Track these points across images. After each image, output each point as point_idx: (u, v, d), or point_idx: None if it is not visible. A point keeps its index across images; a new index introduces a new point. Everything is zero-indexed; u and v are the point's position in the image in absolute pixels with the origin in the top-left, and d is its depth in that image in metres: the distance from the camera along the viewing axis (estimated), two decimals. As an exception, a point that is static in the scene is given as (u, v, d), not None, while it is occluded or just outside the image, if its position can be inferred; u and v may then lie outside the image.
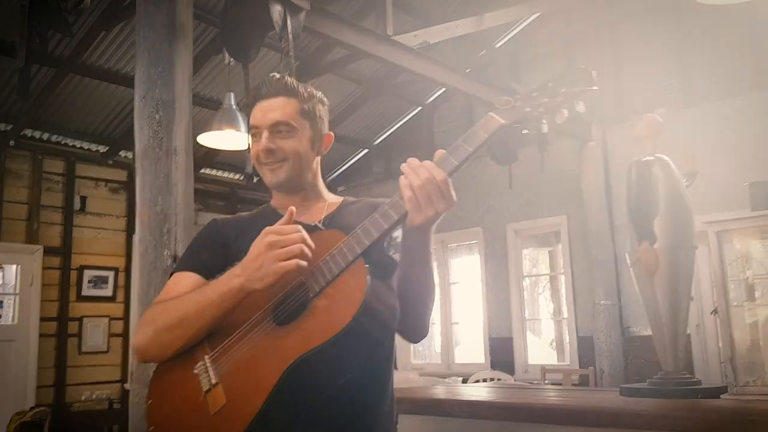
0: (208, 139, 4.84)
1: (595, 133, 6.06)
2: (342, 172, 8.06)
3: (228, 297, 1.23)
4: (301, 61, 5.87)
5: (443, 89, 7.20)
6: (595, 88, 1.17)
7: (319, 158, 1.51)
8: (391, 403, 1.38)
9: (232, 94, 4.77)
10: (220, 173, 7.37)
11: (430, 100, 7.51)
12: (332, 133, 1.53)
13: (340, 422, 1.25)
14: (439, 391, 1.90)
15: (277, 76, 1.46)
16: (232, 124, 4.70)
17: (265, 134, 1.41)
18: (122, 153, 6.49)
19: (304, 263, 1.18)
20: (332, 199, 1.53)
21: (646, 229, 1.67)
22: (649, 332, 5.61)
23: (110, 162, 6.47)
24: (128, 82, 5.40)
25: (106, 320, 6.22)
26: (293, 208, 1.25)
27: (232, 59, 3.85)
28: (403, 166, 1.20)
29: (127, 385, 6.08)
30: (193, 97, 3.17)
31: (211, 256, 1.42)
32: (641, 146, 1.81)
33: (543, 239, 7.01)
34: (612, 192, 5.98)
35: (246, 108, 1.48)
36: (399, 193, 1.21)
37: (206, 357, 1.28)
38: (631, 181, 1.74)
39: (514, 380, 5.57)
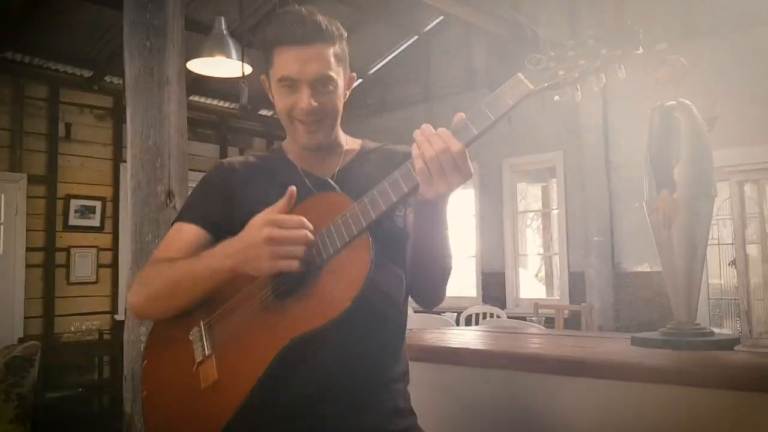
0: (199, 66, 4.66)
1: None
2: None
3: (219, 275, 1.17)
4: (293, -17, 5.62)
5: (440, 18, 6.96)
6: (640, 50, 1.01)
7: None
8: (405, 371, 1.33)
9: (222, 19, 4.57)
10: (210, 101, 7.17)
11: (427, 29, 7.28)
12: (354, 74, 1.39)
13: (347, 397, 1.20)
14: (446, 338, 1.88)
15: (304, 13, 1.26)
16: (224, 50, 4.52)
17: (306, 91, 1.25)
18: (108, 78, 6.26)
19: (304, 265, 1.09)
20: (350, 145, 1.42)
21: (666, 177, 1.60)
22: (640, 268, 5.73)
23: (95, 87, 6.24)
24: (112, 1, 5.15)
25: (94, 251, 6.15)
26: (293, 189, 1.13)
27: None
28: (416, 133, 1.08)
29: (117, 316, 6.09)
30: (182, 21, 3.02)
31: (215, 207, 1.33)
32: (663, 90, 1.72)
33: (537, 175, 6.96)
34: (609, 127, 5.90)
35: (266, 44, 1.29)
36: (410, 162, 1.09)
37: (201, 323, 1.22)
38: (653, 128, 1.66)
39: (506, 314, 5.62)
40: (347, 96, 1.36)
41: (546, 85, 1.04)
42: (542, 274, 7.82)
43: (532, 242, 7.82)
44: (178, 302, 1.23)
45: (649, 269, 5.69)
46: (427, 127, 1.08)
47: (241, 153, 7.51)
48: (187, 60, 4.30)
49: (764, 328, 1.57)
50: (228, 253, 1.14)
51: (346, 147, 1.40)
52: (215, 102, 7.21)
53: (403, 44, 7.43)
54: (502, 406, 1.61)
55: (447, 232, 1.23)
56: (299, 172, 1.35)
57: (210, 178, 1.39)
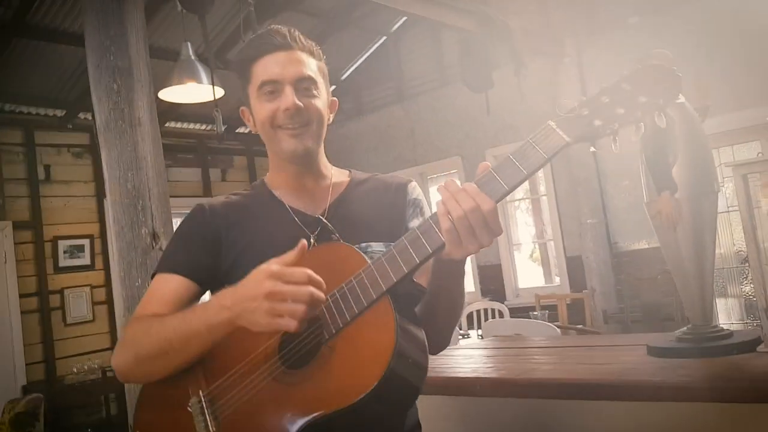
0: (170, 95, 4.57)
1: (569, 48, 5.87)
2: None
3: (216, 330, 1.06)
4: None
5: (405, 17, 6.90)
6: (681, 100, 0.95)
7: None
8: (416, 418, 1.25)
9: (189, 44, 4.47)
10: (186, 125, 7.07)
11: (394, 28, 7.20)
12: (337, 100, 1.34)
13: None
14: (454, 364, 1.82)
15: (284, 29, 1.24)
16: (193, 76, 4.42)
17: (288, 90, 1.20)
18: (81, 115, 6.16)
19: (303, 324, 0.97)
20: (336, 177, 1.34)
21: (665, 178, 1.55)
22: (637, 246, 5.69)
23: (70, 126, 6.15)
24: (77, 40, 5.05)
25: (87, 289, 6.07)
26: (304, 242, 1.02)
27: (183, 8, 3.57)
28: (441, 189, 0.99)
29: (118, 352, 6.01)
30: (148, 52, 2.93)
31: (198, 254, 1.24)
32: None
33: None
34: (591, 108, 5.85)
35: (243, 63, 1.25)
36: (434, 218, 0.99)
37: (201, 393, 1.11)
38: (645, 129, 1.60)
39: (507, 307, 5.58)
40: (330, 120, 1.30)
41: (581, 135, 0.96)
42: (536, 254, 7.78)
43: (523, 224, 7.78)
44: (171, 362, 1.12)
45: (647, 246, 5.66)
46: (451, 183, 0.99)
47: (223, 174, 7.42)
48: (157, 90, 4.22)
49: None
50: (225, 303, 1.03)
51: (334, 179, 1.33)
52: (192, 126, 7.12)
53: (372, 46, 7.36)
54: None
55: (463, 285, 1.16)
56: (287, 210, 1.27)
57: (191, 223, 1.29)
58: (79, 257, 6.06)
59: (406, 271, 1.00)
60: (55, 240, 5.92)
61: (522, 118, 6.25)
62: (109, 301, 6.15)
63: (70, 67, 5.59)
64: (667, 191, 1.56)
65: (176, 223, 3.16)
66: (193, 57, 4.45)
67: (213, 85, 4.02)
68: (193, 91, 4.54)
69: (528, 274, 7.21)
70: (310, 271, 0.98)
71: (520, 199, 7.75)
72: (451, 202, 0.97)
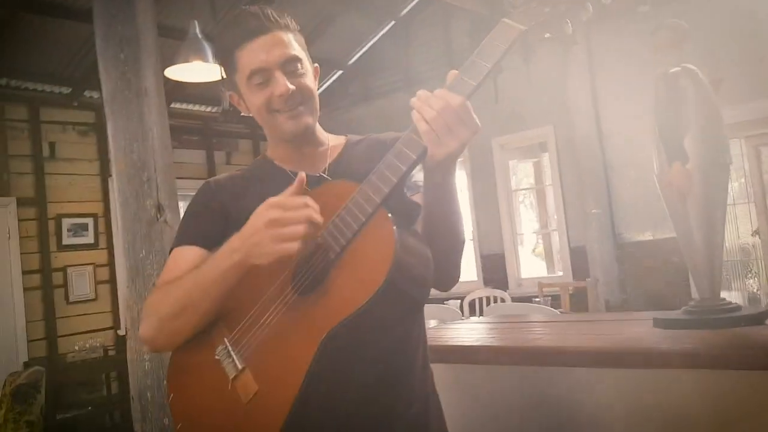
0: (176, 73, 4.55)
1: (578, 35, 5.82)
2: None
3: (231, 274, 1.10)
4: (266, -21, 5.50)
5: (416, 0, 6.86)
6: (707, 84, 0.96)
7: None
8: (426, 353, 1.29)
9: (196, 23, 4.45)
10: (191, 107, 7.04)
11: (404, 12, 7.16)
12: (318, 66, 1.36)
13: (381, 386, 1.15)
14: (457, 334, 1.80)
15: (255, 9, 1.25)
16: (200, 54, 4.41)
17: (278, 75, 1.22)
18: (87, 93, 6.14)
19: (306, 244, 1.03)
20: (333, 141, 1.38)
21: (677, 148, 1.53)
22: (642, 237, 5.67)
23: (76, 104, 6.12)
24: (84, 16, 5.02)
25: (90, 268, 6.07)
26: (303, 174, 1.07)
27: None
28: (413, 101, 1.05)
29: (120, 331, 6.02)
30: (156, 28, 2.91)
31: (209, 225, 1.28)
32: (664, 56, 1.64)
33: (528, 151, 6.88)
34: (599, 97, 5.82)
35: (225, 51, 1.27)
36: (413, 128, 1.05)
37: (226, 340, 1.15)
38: (658, 97, 1.58)
39: (510, 296, 5.56)
40: (317, 87, 1.32)
41: (534, 22, 1.02)
42: (539, 249, 7.76)
43: (527, 220, 7.76)
44: (193, 317, 1.16)
45: (651, 237, 5.64)
46: (422, 92, 1.05)
47: (227, 157, 7.41)
48: (164, 68, 4.21)
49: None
50: (234, 246, 1.08)
51: (331, 143, 1.37)
52: (197, 107, 7.10)
53: (381, 31, 7.32)
54: (526, 402, 1.54)
55: (458, 198, 1.19)
56: (289, 175, 1.29)
57: (199, 199, 1.34)
58: (82, 236, 6.06)
59: (395, 181, 1.04)
60: (58, 218, 5.91)
61: (529, 106, 6.22)
62: (112, 280, 6.16)
63: (77, 44, 5.57)
64: (678, 162, 1.54)
65: (181, 201, 3.16)
66: (200, 35, 4.43)
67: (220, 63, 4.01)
68: (200, 69, 4.53)
69: (531, 266, 7.20)
70: (307, 198, 1.03)
71: (526, 189, 7.73)
72: (423, 107, 1.03)
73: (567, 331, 1.75)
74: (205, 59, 4.39)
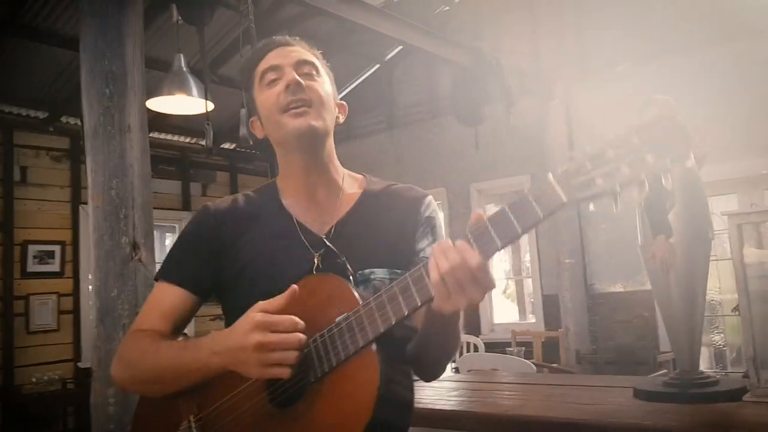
0: (158, 105, 4.54)
1: (558, 90, 5.96)
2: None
3: (208, 371, 1.08)
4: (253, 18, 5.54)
5: (401, 46, 6.96)
6: (692, 161, 0.88)
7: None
8: None
9: (182, 56, 4.45)
10: (170, 137, 6.99)
11: (389, 57, 7.26)
12: (345, 104, 1.32)
13: None
14: (437, 395, 1.78)
15: (287, 36, 1.30)
16: (183, 88, 4.41)
17: (288, 70, 1.21)
18: (64, 119, 6.06)
19: (293, 369, 0.99)
20: (349, 185, 1.29)
21: (662, 222, 1.55)
22: (613, 288, 5.72)
23: (51, 129, 6.03)
24: (66, 42, 4.99)
25: (54, 297, 5.89)
26: (295, 288, 1.02)
27: (181, 19, 3.56)
28: (433, 247, 0.96)
29: (81, 364, 5.84)
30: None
31: (202, 266, 1.23)
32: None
33: (505, 198, 6.96)
34: (575, 150, 5.93)
35: (247, 71, 1.28)
36: (427, 268, 0.96)
37: (192, 419, 1.13)
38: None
39: (482, 341, 5.55)
40: (339, 119, 1.29)
41: (582, 196, 0.88)
42: (510, 290, 7.79)
43: (498, 266, 7.80)
44: (165, 390, 1.15)
45: (622, 289, 5.70)
46: (444, 242, 0.96)
47: (204, 188, 7.34)
48: (146, 99, 4.19)
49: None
50: (217, 350, 1.05)
51: (346, 189, 1.28)
52: (176, 138, 7.05)
53: (366, 73, 7.40)
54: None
55: (459, 328, 1.14)
56: (294, 226, 1.22)
57: (196, 228, 1.28)
58: (48, 263, 5.90)
59: (393, 322, 0.98)
60: (25, 244, 5.75)
61: (508, 155, 6.30)
62: (76, 311, 5.99)
63: (57, 69, 5.51)
64: (663, 235, 1.57)
65: (156, 235, 3.10)
66: (185, 68, 4.43)
67: (206, 98, 4.01)
68: (182, 102, 4.52)
69: (503, 311, 7.21)
70: (296, 318, 0.99)
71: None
72: (439, 257, 0.94)
73: (551, 397, 1.74)
74: (189, 93, 4.38)
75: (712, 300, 5.52)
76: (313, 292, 1.04)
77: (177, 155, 7.06)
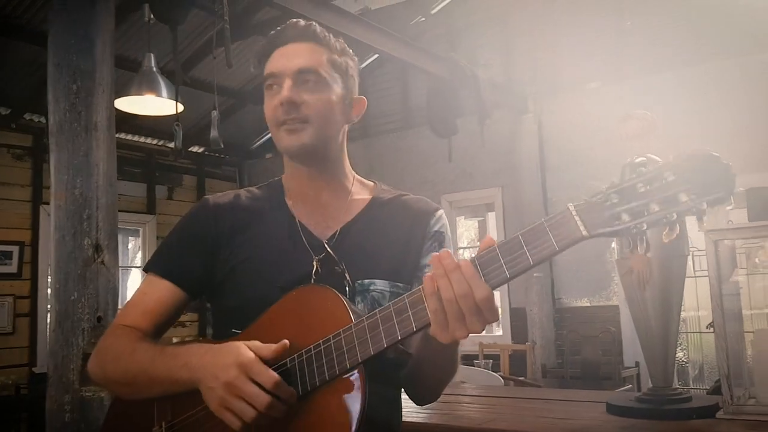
0: (126, 104, 4.44)
1: (530, 105, 6.01)
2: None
3: (177, 384, 1.02)
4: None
5: (377, 55, 6.95)
6: (731, 206, 0.82)
7: (347, 128, 1.21)
8: None
9: (152, 56, 4.36)
10: (137, 138, 6.86)
11: (364, 65, 7.24)
12: (365, 98, 1.23)
13: None
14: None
15: (301, 22, 1.18)
16: (153, 88, 4.31)
17: (287, 83, 1.12)
18: (27, 116, 5.90)
19: (243, 427, 0.93)
20: (358, 191, 1.23)
21: (640, 237, 1.54)
22: (579, 303, 5.76)
23: (13, 126, 5.87)
24: (33, 37, 4.86)
25: (10, 299, 5.71)
26: (286, 342, 0.96)
27: (153, 17, 3.48)
28: (434, 260, 0.87)
29: (36, 369, 5.66)
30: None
31: (195, 262, 1.16)
32: (630, 145, 1.67)
33: (475, 210, 6.98)
34: (546, 165, 5.98)
35: (260, 58, 1.19)
36: (423, 290, 0.89)
37: (164, 424, 1.07)
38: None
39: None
40: (352, 119, 1.21)
41: (602, 232, 0.81)
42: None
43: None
44: (136, 394, 1.10)
45: (588, 304, 5.75)
46: (447, 256, 0.87)
47: (170, 192, 7.21)
48: (114, 98, 4.09)
49: (742, 392, 1.52)
50: (190, 363, 0.99)
51: (354, 195, 1.22)
52: (143, 139, 6.92)
53: (339, 80, 7.36)
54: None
55: (458, 354, 1.09)
56: (297, 226, 1.16)
57: (194, 220, 1.21)
58: (5, 264, 5.72)
59: (385, 346, 0.91)
60: (-19, 244, 5.60)
61: (480, 167, 6.32)
62: (33, 314, 5.81)
63: (21, 65, 5.36)
64: (639, 249, 1.55)
65: (119, 238, 3.01)
66: (155, 69, 4.34)
67: (177, 99, 3.93)
68: (151, 103, 4.42)
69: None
70: (279, 380, 0.92)
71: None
72: (443, 280, 0.85)
73: (522, 411, 1.72)
74: (158, 93, 4.29)
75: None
76: (305, 303, 0.99)
77: (143, 157, 6.93)
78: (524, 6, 6.33)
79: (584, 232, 0.81)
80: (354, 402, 0.92)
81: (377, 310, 0.93)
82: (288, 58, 1.14)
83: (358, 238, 1.15)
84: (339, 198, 1.20)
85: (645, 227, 0.79)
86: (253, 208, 1.21)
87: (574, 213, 0.82)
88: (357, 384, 0.92)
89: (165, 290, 1.16)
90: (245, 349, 0.94)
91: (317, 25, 1.19)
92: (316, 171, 1.19)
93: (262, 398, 0.90)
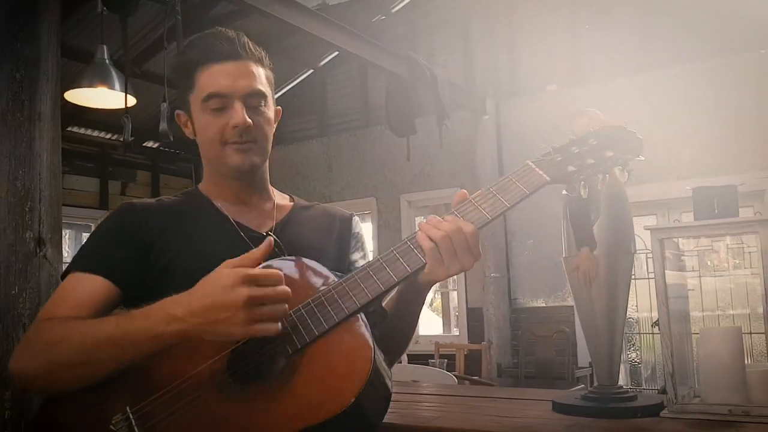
0: (77, 96, 4.33)
1: (489, 106, 6.05)
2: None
3: (162, 341, 0.94)
4: (182, 13, 5.36)
5: (336, 53, 6.91)
6: (642, 158, 1.06)
7: None
8: None
9: (105, 47, 4.25)
10: (89, 132, 6.69)
11: (323, 63, 7.20)
12: (281, 109, 1.28)
13: None
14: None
15: (231, 33, 1.17)
16: (105, 80, 4.21)
17: (238, 106, 1.13)
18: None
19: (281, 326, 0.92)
20: (279, 199, 1.29)
21: (586, 234, 1.54)
22: (535, 303, 5.82)
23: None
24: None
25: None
26: (272, 238, 0.99)
27: (105, 9, 3.39)
28: (421, 224, 1.02)
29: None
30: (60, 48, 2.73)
31: (122, 255, 1.11)
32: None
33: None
34: (504, 166, 6.02)
35: (187, 66, 1.17)
36: (413, 241, 1.00)
37: (128, 409, 0.95)
38: (571, 183, 1.61)
39: (406, 353, 5.53)
40: (274, 129, 1.25)
41: (557, 176, 1.04)
42: (436, 304, 7.84)
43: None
44: (96, 372, 0.98)
45: (544, 304, 5.81)
46: (433, 217, 1.01)
47: (123, 187, 7.05)
48: (64, 90, 3.97)
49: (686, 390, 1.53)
50: (179, 314, 0.91)
51: (277, 201, 1.28)
52: (95, 133, 6.75)
53: (299, 77, 7.31)
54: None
55: (420, 313, 1.17)
56: (231, 224, 1.17)
57: (118, 220, 1.17)
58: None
59: (383, 289, 0.98)
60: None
61: (439, 168, 6.34)
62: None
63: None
64: (586, 247, 1.56)
65: (69, 229, 2.91)
66: (107, 61, 4.24)
67: (126, 92, 3.84)
68: (103, 96, 4.32)
69: (428, 323, 7.23)
70: (280, 272, 0.94)
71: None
72: (431, 228, 0.99)
73: (470, 409, 1.71)
74: (111, 86, 4.19)
75: (629, 318, 5.70)
76: (284, 271, 0.97)
77: (96, 151, 6.77)
78: (484, 8, 6.38)
79: (547, 178, 1.03)
80: (360, 345, 0.94)
81: (365, 264, 1.01)
82: (233, 78, 1.14)
83: (295, 233, 1.21)
84: (265, 202, 1.26)
85: (586, 173, 1.04)
86: (181, 209, 1.21)
87: (534, 166, 1.04)
88: (361, 328, 0.96)
89: (96, 285, 1.08)
90: (234, 269, 0.92)
91: (245, 36, 1.19)
92: (249, 184, 1.23)
93: (281, 291, 0.92)
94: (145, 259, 1.11)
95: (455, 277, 5.68)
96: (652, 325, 5.01)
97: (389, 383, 1.01)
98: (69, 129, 6.20)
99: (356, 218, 1.35)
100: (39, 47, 2.56)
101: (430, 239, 0.98)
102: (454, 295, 6.70)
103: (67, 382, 1.00)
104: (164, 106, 3.27)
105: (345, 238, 1.28)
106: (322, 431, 0.88)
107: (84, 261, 1.12)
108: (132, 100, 4.23)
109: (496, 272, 5.85)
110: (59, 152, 2.68)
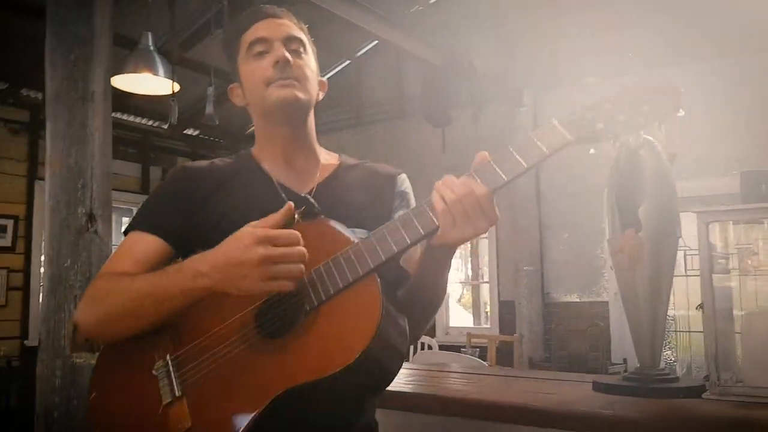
0: (122, 82, 4.42)
1: (526, 98, 6.01)
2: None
3: (191, 295, 1.02)
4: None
5: (372, 43, 6.93)
6: (682, 113, 1.00)
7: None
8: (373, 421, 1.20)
9: (150, 34, 4.35)
10: (132, 118, 6.82)
11: (359, 53, 7.23)
12: (326, 82, 1.34)
13: None
14: (406, 384, 1.76)
15: (269, 5, 1.28)
16: (150, 66, 4.31)
17: (277, 45, 1.21)
18: (24, 91, 5.86)
19: (296, 285, 0.97)
20: (325, 158, 1.32)
21: (632, 216, 1.56)
22: (569, 298, 5.78)
23: (11, 101, 5.83)
24: (31, 11, 4.82)
25: (4, 272, 5.70)
26: (291, 204, 1.01)
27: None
28: (437, 184, 1.01)
29: (27, 342, 5.65)
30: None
31: (178, 216, 1.19)
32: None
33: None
34: (540, 159, 5.98)
35: (232, 36, 1.28)
36: (429, 203, 1.00)
37: (168, 357, 1.07)
38: (618, 166, 1.62)
39: (437, 344, 5.56)
40: (318, 96, 1.30)
41: (583, 135, 0.99)
42: (466, 299, 7.82)
43: (453, 275, 7.82)
44: (140, 323, 1.08)
45: (578, 299, 5.77)
46: (448, 177, 1.01)
47: (164, 173, 7.18)
48: (110, 75, 4.07)
49: (730, 374, 1.54)
50: (204, 270, 1.00)
51: (323, 161, 1.31)
52: (138, 120, 6.88)
53: (335, 68, 7.35)
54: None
55: (447, 276, 1.15)
56: (274, 185, 1.23)
57: (172, 183, 1.26)
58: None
59: (396, 250, 0.99)
60: (-26, 217, 5.57)
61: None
62: (26, 288, 5.81)
63: (20, 39, 5.32)
64: (632, 228, 1.57)
65: (113, 217, 3.00)
66: (152, 47, 4.33)
67: (173, 76, 3.92)
68: (148, 82, 4.41)
69: (457, 315, 7.23)
70: (297, 232, 0.97)
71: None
72: (445, 189, 0.98)
73: (507, 386, 1.73)
74: (155, 72, 4.28)
75: (667, 316, 5.64)
76: (306, 233, 1.01)
77: (139, 137, 6.90)
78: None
79: (569, 137, 0.98)
80: (371, 304, 0.96)
81: (382, 226, 1.02)
82: (275, 26, 1.24)
83: (335, 192, 1.23)
84: (310, 162, 1.28)
85: (617, 130, 0.98)
86: (230, 170, 1.27)
87: (557, 124, 0.99)
88: (371, 287, 0.97)
89: (151, 243, 1.18)
90: (254, 228, 0.97)
91: (287, 9, 1.29)
92: (293, 134, 1.26)
93: (296, 251, 0.95)
94: (194, 220, 1.19)
95: (487, 269, 5.68)
96: (697, 307, 4.95)
97: (400, 341, 1.03)
98: (113, 114, 6.33)
99: (402, 176, 1.34)
100: (92, 28, 2.64)
101: (443, 200, 0.98)
102: (485, 288, 6.68)
103: (117, 331, 1.11)
104: (210, 89, 3.33)
105: (388, 198, 1.28)
106: (333, 383, 0.93)
107: (142, 221, 1.22)
108: (176, 86, 4.32)
109: (530, 266, 5.83)
110: (110, 131, 2.76)
